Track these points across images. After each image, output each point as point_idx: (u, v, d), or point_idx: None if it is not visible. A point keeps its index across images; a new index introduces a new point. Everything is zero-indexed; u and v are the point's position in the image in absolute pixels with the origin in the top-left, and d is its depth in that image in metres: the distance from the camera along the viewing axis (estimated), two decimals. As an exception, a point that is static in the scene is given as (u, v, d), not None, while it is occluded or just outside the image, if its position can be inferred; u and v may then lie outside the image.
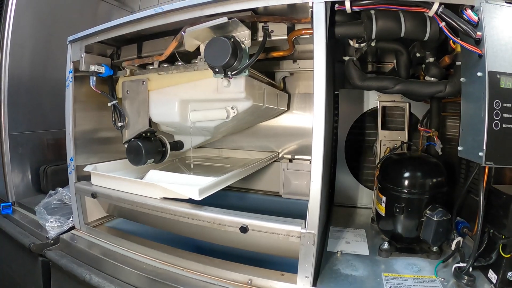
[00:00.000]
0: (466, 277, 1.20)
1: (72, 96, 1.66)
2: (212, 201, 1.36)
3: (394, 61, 1.65)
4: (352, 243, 1.59)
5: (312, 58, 2.00)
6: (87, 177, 1.70)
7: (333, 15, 1.25)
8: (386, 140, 2.01)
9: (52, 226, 1.74)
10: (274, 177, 2.29)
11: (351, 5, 1.17)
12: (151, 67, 1.62)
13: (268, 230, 1.21)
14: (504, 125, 1.02)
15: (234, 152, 2.36)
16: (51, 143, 2.36)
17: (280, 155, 2.30)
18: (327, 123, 1.16)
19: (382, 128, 2.02)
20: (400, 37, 1.29)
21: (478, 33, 1.04)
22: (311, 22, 1.19)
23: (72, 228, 1.76)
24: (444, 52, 1.48)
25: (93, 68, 1.57)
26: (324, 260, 1.41)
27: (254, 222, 1.22)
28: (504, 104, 1.02)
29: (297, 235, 1.18)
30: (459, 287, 1.22)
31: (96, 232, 1.70)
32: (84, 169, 1.66)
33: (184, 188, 1.32)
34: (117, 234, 1.66)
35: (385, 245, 1.48)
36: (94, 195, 1.58)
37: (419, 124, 1.83)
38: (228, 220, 1.26)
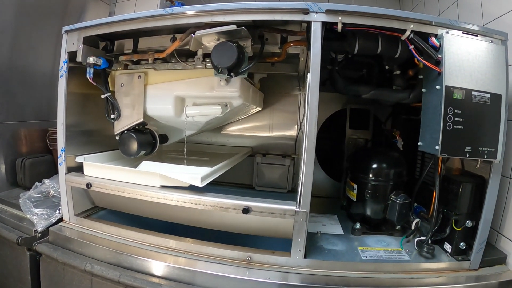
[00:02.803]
0: (426, 247, 1.50)
1: (65, 87, 1.67)
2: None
3: (364, 70, 1.92)
4: (328, 226, 1.82)
5: (290, 62, 2.23)
6: (74, 169, 1.73)
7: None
8: (353, 138, 2.29)
9: (39, 219, 1.72)
10: (247, 171, 2.46)
11: (344, 26, 1.39)
12: (145, 62, 1.69)
13: (267, 210, 1.39)
14: (455, 126, 1.34)
15: (209, 147, 2.52)
16: (26, 135, 2.26)
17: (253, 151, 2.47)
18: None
19: (350, 127, 2.30)
20: (376, 53, 1.55)
21: (439, 56, 1.36)
22: (307, 37, 1.43)
23: (60, 220, 1.77)
24: (408, 66, 1.76)
25: (91, 60, 1.60)
26: (307, 239, 1.60)
27: (255, 204, 1.40)
28: (456, 111, 1.34)
29: (291, 213, 1.38)
30: (421, 256, 1.52)
31: (87, 222, 1.72)
32: (76, 160, 1.69)
33: (186, 176, 1.44)
34: (108, 224, 1.70)
35: (358, 225, 1.74)
36: (89, 185, 1.61)
37: (382, 124, 2.12)
38: (231, 203, 1.41)
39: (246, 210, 1.38)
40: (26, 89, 2.22)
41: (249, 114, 2.42)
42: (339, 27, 1.38)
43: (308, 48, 1.45)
